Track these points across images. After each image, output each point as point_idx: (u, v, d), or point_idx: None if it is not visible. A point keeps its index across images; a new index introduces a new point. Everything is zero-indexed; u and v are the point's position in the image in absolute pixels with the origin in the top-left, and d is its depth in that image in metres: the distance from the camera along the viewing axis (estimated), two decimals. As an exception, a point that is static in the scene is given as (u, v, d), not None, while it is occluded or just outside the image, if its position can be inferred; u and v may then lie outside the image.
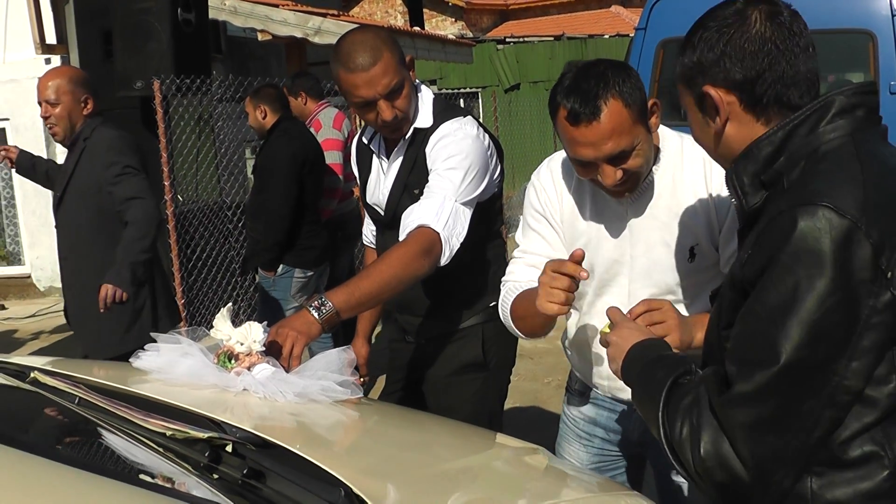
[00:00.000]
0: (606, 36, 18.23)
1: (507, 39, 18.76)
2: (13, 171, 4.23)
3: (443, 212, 2.41)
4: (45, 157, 4.41)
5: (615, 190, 2.10)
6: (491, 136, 2.69)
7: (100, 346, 3.77)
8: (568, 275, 1.94)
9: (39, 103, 3.80)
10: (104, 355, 3.67)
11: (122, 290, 3.65)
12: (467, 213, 2.48)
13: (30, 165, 4.22)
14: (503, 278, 2.38)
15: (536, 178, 2.34)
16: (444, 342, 2.77)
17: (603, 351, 1.90)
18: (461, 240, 2.44)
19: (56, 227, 3.87)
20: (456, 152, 2.52)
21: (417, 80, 2.70)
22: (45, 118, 3.81)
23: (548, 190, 2.30)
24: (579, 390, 2.50)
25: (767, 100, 1.51)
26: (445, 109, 2.67)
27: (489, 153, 2.62)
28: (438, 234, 2.38)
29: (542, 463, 2.09)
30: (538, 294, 1.98)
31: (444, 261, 2.40)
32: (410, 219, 2.43)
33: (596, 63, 2.06)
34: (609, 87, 1.98)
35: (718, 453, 1.41)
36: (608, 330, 1.88)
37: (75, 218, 3.82)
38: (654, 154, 2.14)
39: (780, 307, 1.36)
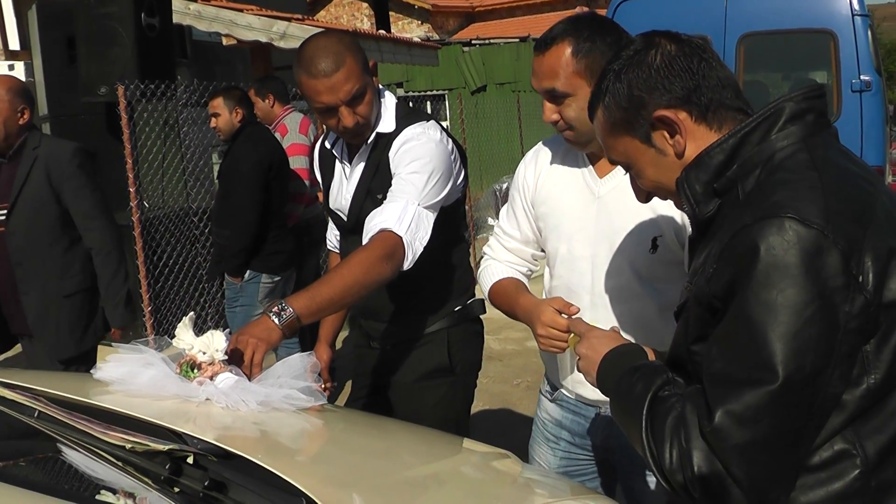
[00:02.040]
0: (573, 37, 18.27)
1: (473, 41, 18.77)
2: None
3: (405, 215, 2.40)
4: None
5: (569, 139, 2.20)
6: (454, 141, 2.68)
7: (59, 346, 3.88)
8: (561, 328, 2.06)
9: None
10: (64, 355, 3.86)
11: (129, 323, 3.91)
12: (430, 217, 2.47)
13: None
14: (484, 248, 2.52)
15: (524, 160, 2.47)
16: (410, 347, 2.75)
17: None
18: (424, 244, 2.42)
19: (6, 233, 3.82)
20: (419, 156, 2.51)
21: (381, 85, 2.68)
22: None
23: (528, 172, 2.41)
24: (549, 391, 2.51)
25: (713, 106, 1.53)
26: (408, 114, 2.66)
27: (452, 157, 2.61)
28: (401, 237, 2.37)
29: (510, 468, 2.08)
30: (537, 340, 2.14)
31: (406, 265, 2.38)
32: (373, 223, 2.41)
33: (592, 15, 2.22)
34: (568, 35, 2.10)
35: (712, 476, 1.37)
36: (576, 342, 1.85)
37: (32, 225, 3.81)
38: None
39: (759, 324, 1.33)
